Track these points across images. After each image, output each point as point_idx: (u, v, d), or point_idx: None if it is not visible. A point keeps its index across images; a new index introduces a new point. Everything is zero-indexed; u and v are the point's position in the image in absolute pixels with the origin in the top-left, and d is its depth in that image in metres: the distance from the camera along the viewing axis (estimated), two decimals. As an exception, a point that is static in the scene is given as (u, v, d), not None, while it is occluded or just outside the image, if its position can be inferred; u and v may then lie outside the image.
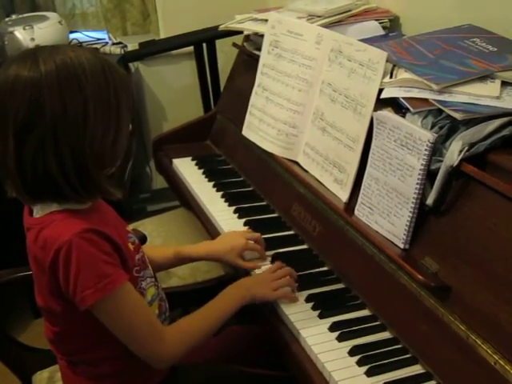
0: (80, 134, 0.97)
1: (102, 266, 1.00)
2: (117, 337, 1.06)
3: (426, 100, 1.24)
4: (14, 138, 0.95)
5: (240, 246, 1.40)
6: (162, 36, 2.71)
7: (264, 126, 1.72)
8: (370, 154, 1.30)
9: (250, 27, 1.92)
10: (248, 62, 1.98)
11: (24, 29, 2.30)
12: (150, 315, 1.09)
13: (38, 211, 1.05)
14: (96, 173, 1.00)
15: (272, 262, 1.41)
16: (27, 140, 0.95)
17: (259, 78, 1.76)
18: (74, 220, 1.01)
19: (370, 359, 1.10)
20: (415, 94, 1.27)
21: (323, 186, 1.48)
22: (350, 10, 1.79)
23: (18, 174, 0.97)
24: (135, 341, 1.08)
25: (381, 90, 1.33)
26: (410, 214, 1.18)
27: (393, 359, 1.11)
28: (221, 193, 1.76)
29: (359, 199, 1.33)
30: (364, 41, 1.46)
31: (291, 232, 1.54)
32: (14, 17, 2.44)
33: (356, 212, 1.34)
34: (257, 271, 1.38)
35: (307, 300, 1.27)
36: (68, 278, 0.99)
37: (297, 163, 1.61)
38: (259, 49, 1.80)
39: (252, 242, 1.42)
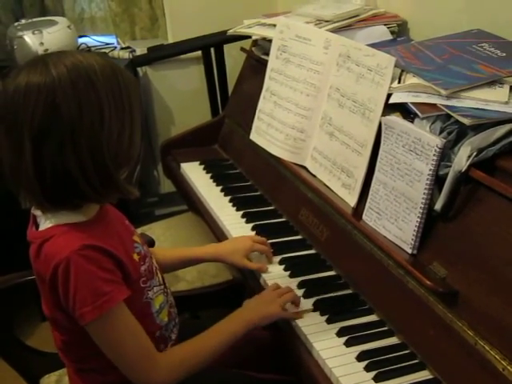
0: (97, 134, 0.96)
1: (100, 284, 0.99)
2: (107, 356, 1.05)
3: (434, 105, 1.24)
4: (32, 144, 0.94)
5: (246, 247, 1.41)
6: (171, 40, 2.72)
7: (272, 130, 1.72)
8: (378, 159, 1.30)
9: (258, 32, 1.93)
10: (256, 67, 1.98)
11: (33, 33, 2.31)
12: (143, 340, 1.07)
13: (44, 223, 1.04)
14: (115, 171, 1.00)
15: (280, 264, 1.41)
16: (45, 144, 0.94)
17: (267, 82, 1.77)
18: (74, 234, 1.00)
19: (378, 365, 1.10)
20: (423, 99, 1.27)
21: (331, 190, 1.48)
22: (358, 15, 1.79)
23: (36, 179, 0.96)
24: (124, 363, 1.07)
25: (389, 95, 1.33)
26: (418, 220, 1.18)
27: (401, 365, 1.11)
28: (229, 197, 1.76)
29: (367, 204, 1.33)
30: (372, 46, 1.46)
31: (299, 237, 1.54)
32: (23, 21, 2.45)
33: (364, 217, 1.34)
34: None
35: (315, 305, 1.27)
36: (67, 295, 0.99)
37: (305, 168, 1.61)
38: (267, 53, 1.80)
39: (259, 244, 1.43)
